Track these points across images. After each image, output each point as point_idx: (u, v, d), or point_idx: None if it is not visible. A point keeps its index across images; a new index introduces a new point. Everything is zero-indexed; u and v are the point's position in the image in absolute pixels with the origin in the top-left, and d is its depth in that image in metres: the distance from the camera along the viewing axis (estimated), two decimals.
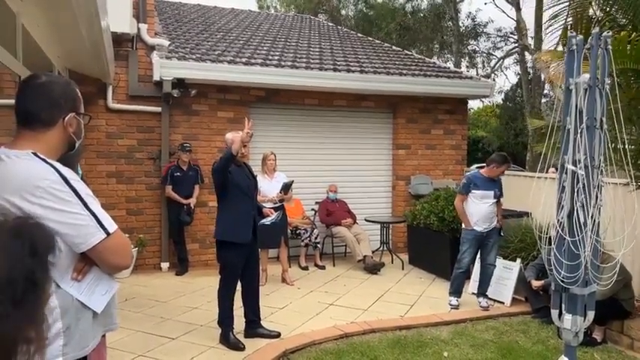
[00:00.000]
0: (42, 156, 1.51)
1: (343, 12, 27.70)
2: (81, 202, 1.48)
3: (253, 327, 4.51)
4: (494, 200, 5.36)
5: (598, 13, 4.43)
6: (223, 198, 4.35)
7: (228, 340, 4.26)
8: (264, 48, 8.41)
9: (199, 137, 7.12)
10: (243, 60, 7.21)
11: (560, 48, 4.92)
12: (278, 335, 4.48)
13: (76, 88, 1.70)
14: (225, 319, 4.33)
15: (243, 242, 4.30)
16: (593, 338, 4.60)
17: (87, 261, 1.52)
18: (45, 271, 0.86)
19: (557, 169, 3.02)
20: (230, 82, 7.00)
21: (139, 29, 6.84)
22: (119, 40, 6.53)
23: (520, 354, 4.29)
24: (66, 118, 1.61)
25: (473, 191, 5.38)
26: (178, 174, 6.65)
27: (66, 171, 1.50)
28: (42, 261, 0.86)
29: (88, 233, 1.48)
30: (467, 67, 25.50)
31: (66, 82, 1.70)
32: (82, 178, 1.58)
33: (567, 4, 4.74)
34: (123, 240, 1.60)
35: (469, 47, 25.92)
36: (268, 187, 6.05)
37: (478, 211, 5.34)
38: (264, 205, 6.00)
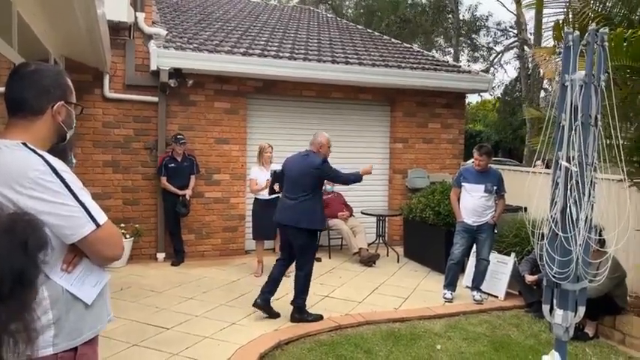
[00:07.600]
0: (31, 146, 1.50)
1: (347, 1, 27.59)
2: (70, 193, 1.48)
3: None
4: (485, 194, 5.39)
5: (590, 11, 4.41)
6: (317, 191, 4.82)
7: (311, 315, 4.71)
8: (263, 39, 8.37)
9: (196, 128, 7.10)
10: (241, 50, 7.17)
11: (551, 44, 4.91)
12: (278, 315, 4.78)
13: (67, 77, 1.69)
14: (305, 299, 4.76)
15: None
16: (585, 333, 4.64)
17: (77, 252, 1.52)
18: (35, 268, 0.86)
19: (543, 162, 3.02)
20: (227, 73, 6.97)
21: (136, 18, 6.79)
22: (116, 28, 6.48)
23: (512, 348, 4.33)
24: (54, 107, 1.60)
25: (463, 184, 5.55)
26: (173, 165, 6.63)
27: (55, 162, 1.50)
28: (32, 258, 0.86)
29: (78, 224, 1.48)
30: (468, 60, 25.45)
31: (56, 71, 1.69)
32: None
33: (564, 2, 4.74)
34: (113, 231, 1.59)
35: (469, 41, 25.85)
36: (264, 179, 6.09)
37: (466, 203, 5.49)
38: (257, 196, 6.22)
